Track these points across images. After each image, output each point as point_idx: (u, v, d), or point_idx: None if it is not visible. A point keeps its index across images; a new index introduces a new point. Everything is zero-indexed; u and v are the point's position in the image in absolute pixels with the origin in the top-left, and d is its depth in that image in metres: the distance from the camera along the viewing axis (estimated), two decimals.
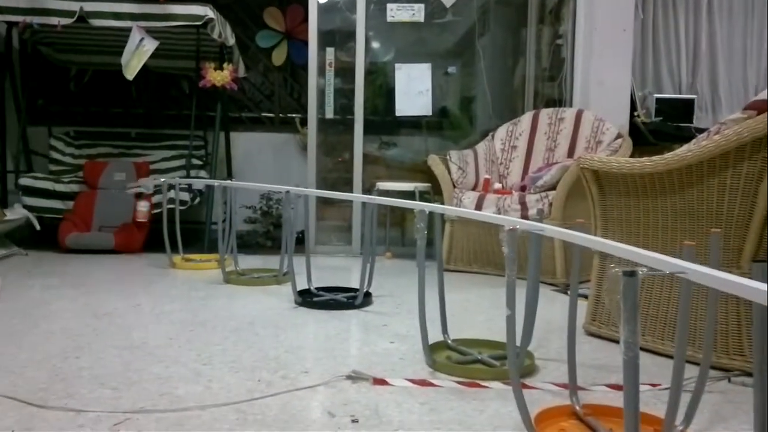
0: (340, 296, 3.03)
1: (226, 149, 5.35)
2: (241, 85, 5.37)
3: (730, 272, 2.18)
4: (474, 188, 3.99)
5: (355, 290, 3.11)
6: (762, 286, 0.87)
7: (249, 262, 4.05)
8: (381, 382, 1.82)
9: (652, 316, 2.35)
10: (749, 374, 1.96)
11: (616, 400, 1.75)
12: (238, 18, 5.55)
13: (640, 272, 1.06)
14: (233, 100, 5.51)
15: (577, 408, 1.66)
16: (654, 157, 2.42)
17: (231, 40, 4.74)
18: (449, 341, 2.26)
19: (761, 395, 1.21)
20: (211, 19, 4.33)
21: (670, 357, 2.17)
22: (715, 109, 5.27)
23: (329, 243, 4.74)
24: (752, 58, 5.35)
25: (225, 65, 4.56)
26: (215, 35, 4.41)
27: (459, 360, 2.07)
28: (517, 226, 1.57)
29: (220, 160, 5.23)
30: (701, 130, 4.26)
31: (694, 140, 2.41)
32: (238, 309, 2.79)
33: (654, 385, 1.88)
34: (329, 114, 4.70)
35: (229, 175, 5.35)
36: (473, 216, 1.94)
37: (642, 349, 2.28)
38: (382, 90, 4.79)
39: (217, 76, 4.48)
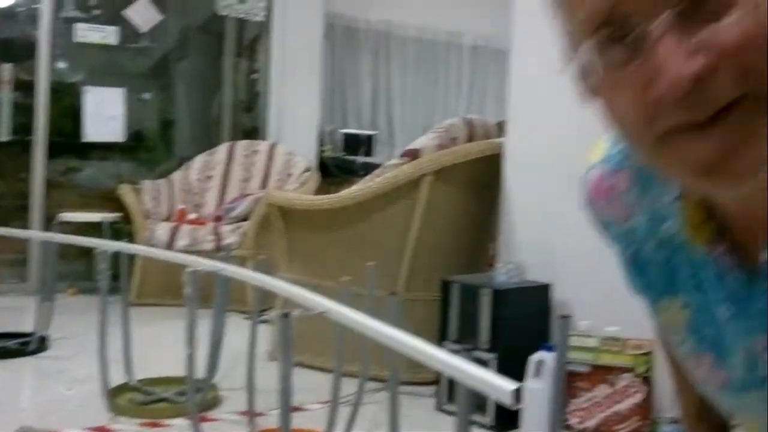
0: (11, 343, 2.77)
1: None
2: None
3: (389, 295, 2.50)
4: (168, 219, 3.96)
5: (29, 335, 2.86)
6: (391, 330, 1.08)
7: None
8: None
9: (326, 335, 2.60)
10: (406, 383, 2.29)
11: (294, 421, 1.92)
12: None
13: (294, 314, 1.23)
14: None
15: None
16: (331, 195, 2.70)
17: None
18: (134, 381, 2.23)
19: (394, 402, 1.47)
20: None
21: (346, 375, 2.42)
22: (393, 144, 5.96)
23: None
24: (421, 101, 6.18)
25: None
26: None
27: (142, 401, 2.07)
28: (199, 268, 1.65)
29: None
30: (379, 165, 4.80)
31: (368, 177, 2.75)
32: None
33: (325, 402, 2.10)
34: (4, 136, 4.26)
35: None
36: (158, 255, 1.98)
37: (318, 368, 2.50)
38: (68, 112, 4.49)
39: None
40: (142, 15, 4.44)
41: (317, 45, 4.82)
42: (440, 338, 2.23)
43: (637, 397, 1.70)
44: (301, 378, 2.47)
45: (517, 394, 0.66)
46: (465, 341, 2.14)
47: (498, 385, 0.67)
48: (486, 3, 5.59)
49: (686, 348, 0.69)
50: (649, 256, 0.69)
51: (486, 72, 6.27)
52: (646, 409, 1.70)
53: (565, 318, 1.13)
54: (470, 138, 2.57)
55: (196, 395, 1.74)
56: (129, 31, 4.54)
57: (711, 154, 0.48)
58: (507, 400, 0.65)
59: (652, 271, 0.69)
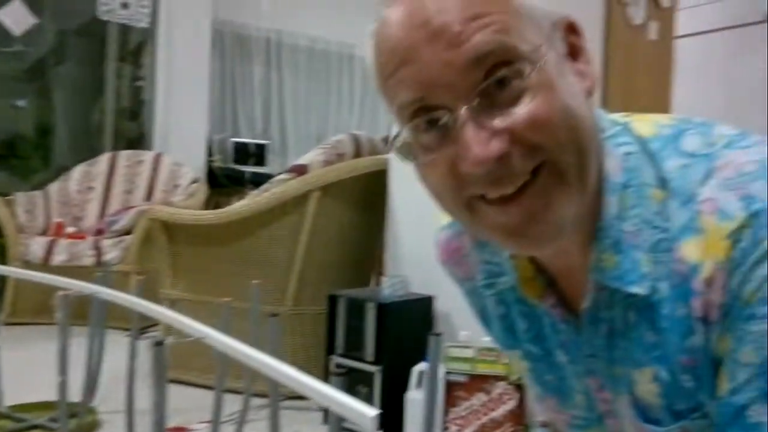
0: None
1: None
2: None
3: (277, 309, 2.51)
4: (44, 233, 3.76)
5: None
6: (265, 358, 1.10)
7: None
8: None
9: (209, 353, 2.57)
10: (294, 397, 2.30)
11: None
12: None
13: (168, 341, 1.21)
14: None
15: None
16: (217, 210, 2.67)
17: None
18: (4, 408, 2.11)
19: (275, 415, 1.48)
20: None
21: (232, 392, 2.40)
22: (284, 153, 5.94)
23: None
24: (314, 111, 6.20)
25: None
26: None
27: (12, 429, 1.97)
28: (71, 291, 1.60)
29: None
30: (270, 176, 4.77)
31: (255, 192, 2.73)
32: None
33: (209, 422, 2.07)
34: None
35: None
36: (26, 276, 1.89)
37: (204, 387, 2.46)
38: None
39: None
40: (15, 17, 4.20)
41: (205, 52, 4.73)
42: (327, 351, 2.26)
43: (511, 404, 1.80)
44: (187, 397, 2.42)
45: (379, 419, 0.70)
46: (352, 354, 2.18)
47: (360, 411, 0.72)
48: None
49: (536, 392, 0.76)
50: (491, 312, 0.76)
51: None
52: (518, 415, 1.81)
53: (437, 335, 1.19)
54: (357, 154, 2.62)
55: (71, 421, 1.67)
56: (1, 35, 4.28)
57: (516, 220, 0.55)
58: (368, 426, 0.69)
59: (495, 326, 0.76)
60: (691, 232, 0.56)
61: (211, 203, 4.09)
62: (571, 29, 0.60)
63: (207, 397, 2.34)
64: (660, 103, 2.24)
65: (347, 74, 6.36)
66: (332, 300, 2.25)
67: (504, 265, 0.69)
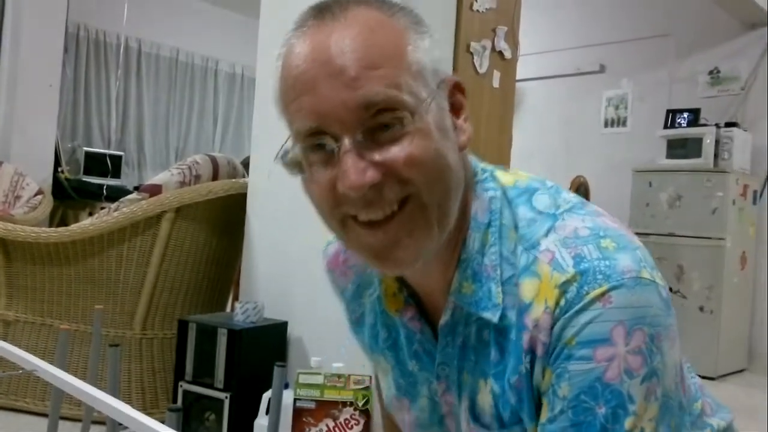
0: None
1: None
2: None
3: (125, 333, 2.42)
4: None
5: None
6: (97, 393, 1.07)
7: None
8: None
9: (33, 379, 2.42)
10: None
11: None
12: None
13: None
14: None
15: None
16: (60, 228, 2.52)
17: None
18: None
19: None
20: None
21: (71, 419, 2.28)
22: (141, 166, 5.71)
23: None
24: (174, 124, 6.01)
25: None
26: None
27: None
28: None
29: None
30: (124, 189, 4.57)
31: (103, 212, 2.61)
32: None
33: None
34: None
35: None
36: None
37: (40, 414, 2.32)
38: None
39: None
40: None
41: (57, 57, 4.47)
42: (176, 377, 2.21)
43: (356, 429, 1.86)
44: (23, 425, 2.26)
45: None
46: (201, 380, 2.15)
47: None
48: (242, 31, 5.65)
49: (391, 393, 0.84)
50: (365, 320, 0.84)
51: (243, 101, 6.30)
52: None
53: (281, 366, 1.22)
54: (215, 176, 2.59)
55: None
56: None
57: (380, 244, 0.65)
58: None
59: (366, 333, 0.85)
60: (529, 273, 0.65)
61: (57, 217, 3.85)
62: (457, 88, 0.70)
63: (41, 423, 2.21)
64: (501, 148, 2.42)
65: (211, 89, 6.25)
66: (182, 325, 2.21)
67: (374, 277, 0.79)
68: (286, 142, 0.66)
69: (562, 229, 0.66)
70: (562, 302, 0.62)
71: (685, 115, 4.23)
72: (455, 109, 0.70)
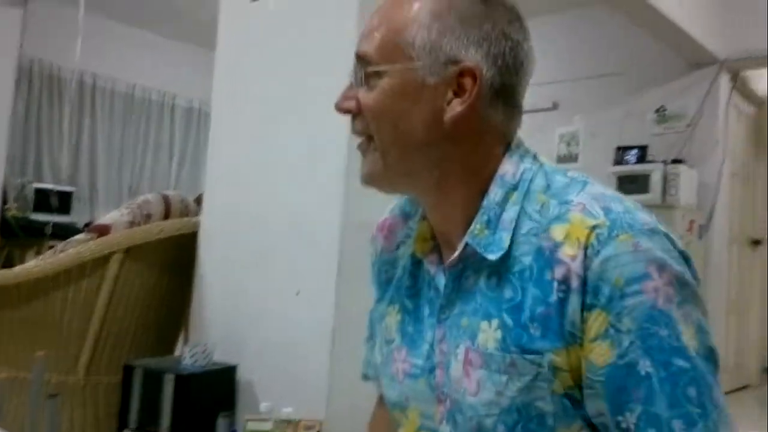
0: None
1: None
2: None
3: (67, 379, 2.34)
4: None
5: None
6: None
7: None
8: None
9: None
10: None
11: None
12: None
13: None
14: None
15: None
16: (3, 270, 2.45)
17: None
18: None
19: None
20: None
21: None
22: (93, 203, 5.59)
23: None
24: (128, 159, 5.92)
25: None
26: None
27: None
28: None
29: None
30: (73, 226, 4.47)
31: (48, 253, 2.54)
32: None
33: None
34: None
35: None
36: None
37: None
38: None
39: None
40: None
41: (8, 90, 4.38)
42: (120, 425, 2.14)
43: None
44: None
45: None
46: (146, 428, 2.08)
47: None
48: (199, 64, 5.61)
49: (395, 344, 0.89)
50: (394, 277, 0.92)
51: (200, 136, 6.25)
52: None
53: (226, 417, 1.19)
54: (166, 215, 2.55)
55: None
56: None
57: (364, 169, 0.84)
58: None
59: (391, 288, 0.92)
60: (560, 221, 0.75)
61: (2, 256, 3.73)
62: (468, 74, 0.78)
63: None
64: None
65: (168, 124, 6.19)
66: (127, 370, 2.14)
67: (413, 228, 0.91)
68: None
69: (592, 189, 0.78)
70: (594, 241, 0.71)
71: (634, 151, 4.34)
72: (461, 91, 0.79)
